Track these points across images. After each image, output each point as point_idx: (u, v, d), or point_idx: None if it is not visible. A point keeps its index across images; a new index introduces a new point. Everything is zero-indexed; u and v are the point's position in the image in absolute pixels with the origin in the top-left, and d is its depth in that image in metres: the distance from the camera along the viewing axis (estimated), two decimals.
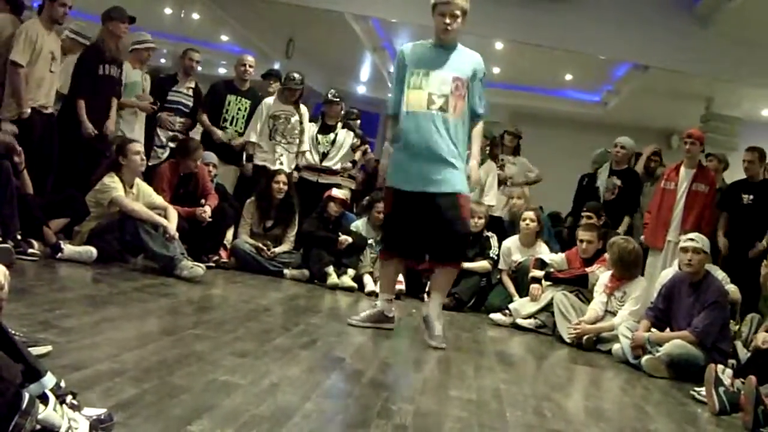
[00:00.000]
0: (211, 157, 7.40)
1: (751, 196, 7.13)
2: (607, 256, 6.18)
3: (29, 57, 6.18)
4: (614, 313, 5.95)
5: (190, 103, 7.97)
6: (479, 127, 4.97)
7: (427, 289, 6.78)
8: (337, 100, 8.43)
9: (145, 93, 7.54)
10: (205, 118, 7.88)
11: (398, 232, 4.88)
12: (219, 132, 7.82)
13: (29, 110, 6.19)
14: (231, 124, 7.86)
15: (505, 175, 8.65)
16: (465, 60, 4.80)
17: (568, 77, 13.81)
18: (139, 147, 6.18)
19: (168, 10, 13.62)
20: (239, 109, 7.89)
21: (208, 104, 7.94)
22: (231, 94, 7.90)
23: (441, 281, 5.00)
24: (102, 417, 2.04)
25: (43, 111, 6.37)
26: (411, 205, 4.71)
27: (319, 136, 8.21)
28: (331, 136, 8.27)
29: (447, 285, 5.17)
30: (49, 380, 1.97)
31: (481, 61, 4.85)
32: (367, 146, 10.25)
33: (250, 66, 7.97)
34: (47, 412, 1.84)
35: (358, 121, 9.99)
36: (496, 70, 14.26)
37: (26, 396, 1.82)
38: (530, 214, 7.34)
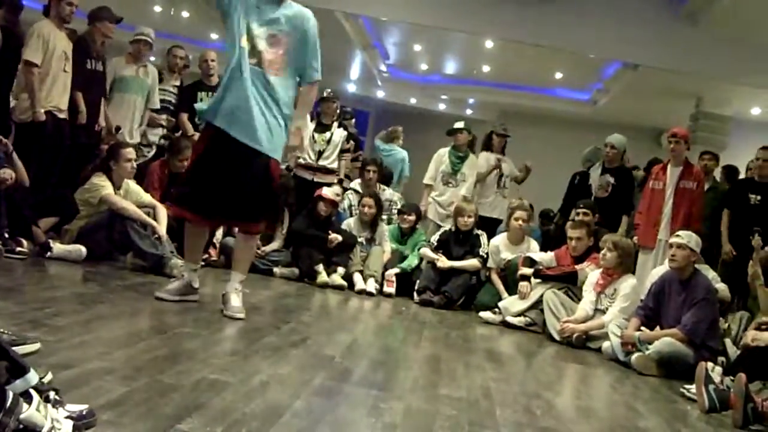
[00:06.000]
0: None
1: (759, 197, 7.13)
2: (603, 254, 6.17)
3: (42, 57, 6.16)
4: (605, 311, 5.96)
5: (176, 101, 7.98)
6: (312, 93, 4.68)
7: None
8: (332, 97, 8.41)
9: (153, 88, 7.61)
10: (185, 119, 7.87)
11: (205, 186, 4.42)
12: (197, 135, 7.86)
13: (43, 111, 6.17)
14: None
15: (502, 173, 8.59)
16: (292, 16, 4.51)
17: (558, 76, 13.84)
18: (131, 154, 6.11)
19: (157, 8, 13.59)
20: None
21: (185, 105, 7.92)
22: (201, 91, 7.89)
23: (243, 253, 4.73)
24: (84, 413, 2.03)
25: (57, 114, 6.36)
26: (229, 153, 4.36)
27: (315, 135, 8.18)
28: (327, 134, 8.24)
29: (250, 257, 4.92)
30: (32, 377, 1.96)
31: (313, 21, 4.56)
32: (360, 152, 10.26)
33: (212, 60, 7.94)
34: (30, 412, 1.83)
35: (353, 121, 9.98)
36: (486, 69, 14.30)
37: (10, 394, 1.81)
38: (522, 213, 7.33)
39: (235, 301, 4.46)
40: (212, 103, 4.49)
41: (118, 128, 7.18)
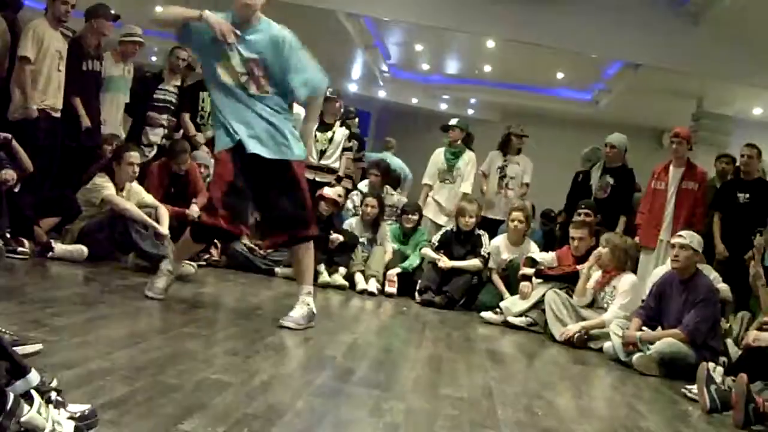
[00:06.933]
0: (203, 158, 7.37)
1: (747, 195, 7.12)
2: (600, 250, 6.19)
3: (37, 54, 6.16)
4: (605, 309, 5.97)
5: (177, 101, 7.98)
6: (313, 104, 4.73)
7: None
8: (335, 97, 8.39)
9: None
10: (187, 119, 7.91)
11: (243, 203, 4.49)
12: (199, 135, 7.90)
13: (36, 108, 6.17)
14: (209, 119, 7.89)
15: (506, 174, 8.58)
16: (262, 38, 4.47)
17: (560, 76, 13.82)
18: (135, 159, 6.10)
19: (159, 8, 13.59)
20: None
21: (187, 105, 7.96)
22: (203, 91, 7.89)
23: (302, 263, 4.72)
24: (86, 413, 2.03)
25: (51, 113, 6.36)
26: (253, 168, 4.40)
27: (318, 134, 8.17)
28: (329, 134, 8.23)
29: (310, 267, 4.77)
30: (34, 377, 1.96)
31: (283, 35, 4.50)
32: (363, 153, 10.23)
33: None
34: (31, 414, 1.82)
35: (356, 120, 9.96)
36: (487, 69, 14.28)
37: (11, 396, 1.81)
38: (518, 214, 7.32)
39: (296, 311, 4.45)
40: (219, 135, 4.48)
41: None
